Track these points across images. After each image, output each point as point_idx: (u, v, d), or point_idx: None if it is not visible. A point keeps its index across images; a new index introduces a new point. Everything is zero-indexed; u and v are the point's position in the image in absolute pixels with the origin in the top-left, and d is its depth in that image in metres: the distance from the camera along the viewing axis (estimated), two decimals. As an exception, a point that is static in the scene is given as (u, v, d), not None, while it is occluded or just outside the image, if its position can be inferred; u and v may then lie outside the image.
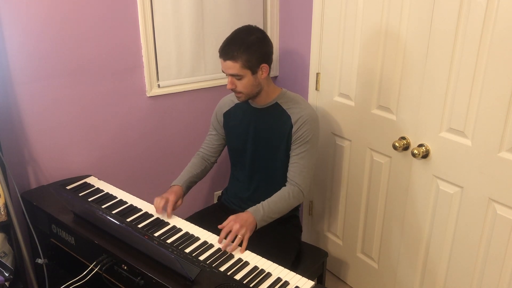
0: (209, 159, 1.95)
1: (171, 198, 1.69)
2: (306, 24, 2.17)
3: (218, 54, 1.61)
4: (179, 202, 1.74)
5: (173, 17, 2.05)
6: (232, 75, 1.63)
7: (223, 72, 1.67)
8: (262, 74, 1.66)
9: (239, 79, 1.63)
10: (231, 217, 1.56)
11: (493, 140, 1.49)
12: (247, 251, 1.47)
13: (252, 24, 1.71)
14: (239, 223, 1.52)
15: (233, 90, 1.67)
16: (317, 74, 2.17)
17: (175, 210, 1.70)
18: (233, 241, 1.49)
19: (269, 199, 1.67)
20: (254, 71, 1.63)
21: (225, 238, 1.51)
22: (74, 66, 1.86)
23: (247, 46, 1.60)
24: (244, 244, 1.49)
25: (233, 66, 1.60)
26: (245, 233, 1.51)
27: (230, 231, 1.51)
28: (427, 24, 1.61)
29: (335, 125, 2.13)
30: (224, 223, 1.55)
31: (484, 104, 1.48)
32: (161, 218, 1.65)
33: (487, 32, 1.43)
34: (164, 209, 1.67)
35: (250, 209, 1.62)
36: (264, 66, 1.65)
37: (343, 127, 2.10)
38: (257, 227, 1.59)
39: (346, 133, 2.09)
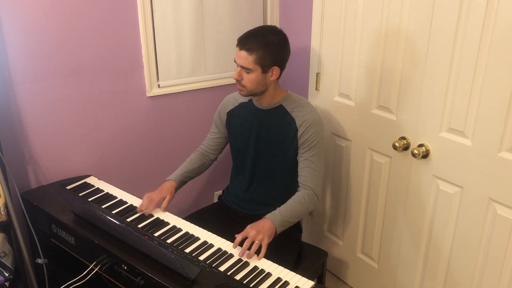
0: (208, 156, 1.96)
1: (168, 198, 1.73)
2: (306, 24, 2.17)
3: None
4: (168, 198, 1.74)
5: (173, 17, 2.05)
6: (242, 67, 1.62)
7: (235, 62, 1.65)
8: (271, 75, 1.65)
9: (248, 73, 1.62)
10: (248, 226, 1.51)
11: (493, 140, 1.48)
12: (246, 252, 1.45)
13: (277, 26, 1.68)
14: (255, 230, 1.48)
15: (238, 81, 1.66)
16: (317, 74, 2.17)
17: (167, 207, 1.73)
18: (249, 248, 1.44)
19: (285, 204, 1.64)
20: (265, 70, 1.62)
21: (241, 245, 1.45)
22: (74, 66, 1.86)
23: (266, 43, 1.59)
24: (263, 251, 1.44)
25: (246, 58, 1.59)
26: (262, 239, 1.45)
27: (246, 238, 1.46)
28: (427, 24, 1.61)
29: (335, 125, 2.13)
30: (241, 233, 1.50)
31: (484, 104, 1.48)
32: (161, 218, 1.65)
33: (487, 32, 1.43)
34: (148, 207, 1.68)
35: (268, 215, 1.58)
36: (276, 68, 1.64)
37: (343, 127, 2.10)
38: (277, 232, 1.55)
39: (346, 133, 2.09)
